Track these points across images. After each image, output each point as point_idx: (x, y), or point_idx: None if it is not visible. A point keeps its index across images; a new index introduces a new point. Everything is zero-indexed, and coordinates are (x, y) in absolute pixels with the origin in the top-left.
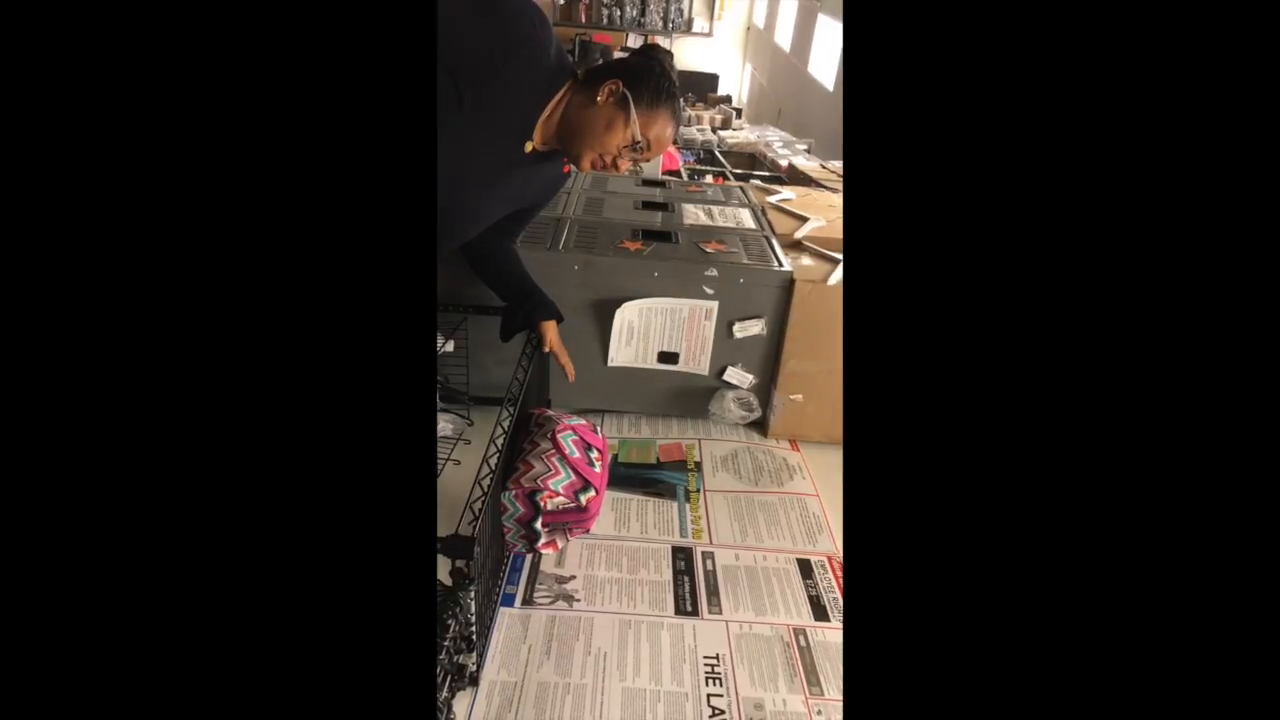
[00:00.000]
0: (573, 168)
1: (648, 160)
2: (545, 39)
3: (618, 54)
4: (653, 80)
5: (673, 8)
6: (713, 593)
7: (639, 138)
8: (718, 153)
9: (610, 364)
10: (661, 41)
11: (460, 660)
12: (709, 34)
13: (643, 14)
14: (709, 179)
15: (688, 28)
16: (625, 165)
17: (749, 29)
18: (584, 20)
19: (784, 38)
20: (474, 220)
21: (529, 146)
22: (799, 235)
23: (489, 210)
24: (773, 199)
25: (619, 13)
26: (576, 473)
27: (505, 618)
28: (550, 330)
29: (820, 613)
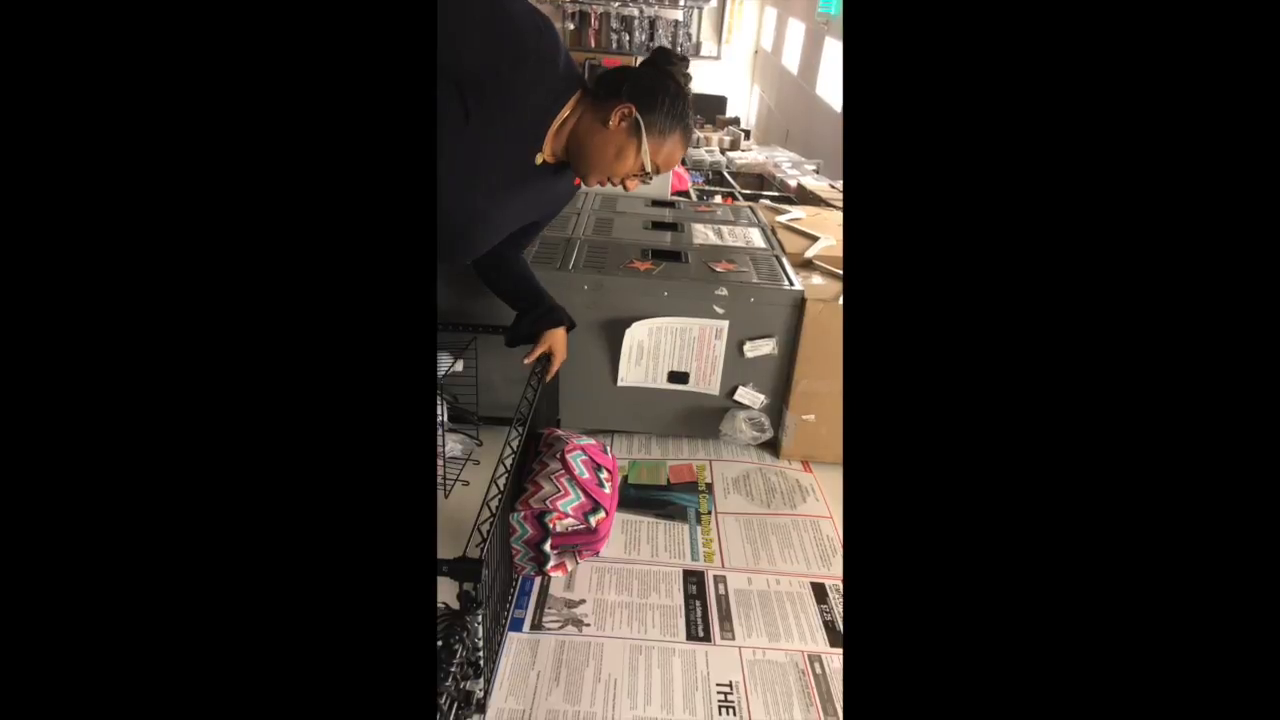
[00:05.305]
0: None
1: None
2: (553, 48)
3: None
4: (666, 103)
5: (681, 32)
6: (725, 617)
7: (649, 167)
8: (726, 173)
9: (620, 384)
10: None
11: (467, 687)
12: (717, 57)
13: (651, 38)
14: (718, 199)
15: (696, 51)
16: (633, 186)
17: (756, 52)
18: (593, 45)
19: (791, 60)
20: (490, 232)
21: (540, 158)
22: (809, 254)
23: (504, 222)
24: (782, 218)
25: (628, 37)
26: (586, 494)
27: (513, 643)
28: (559, 338)
29: (835, 638)
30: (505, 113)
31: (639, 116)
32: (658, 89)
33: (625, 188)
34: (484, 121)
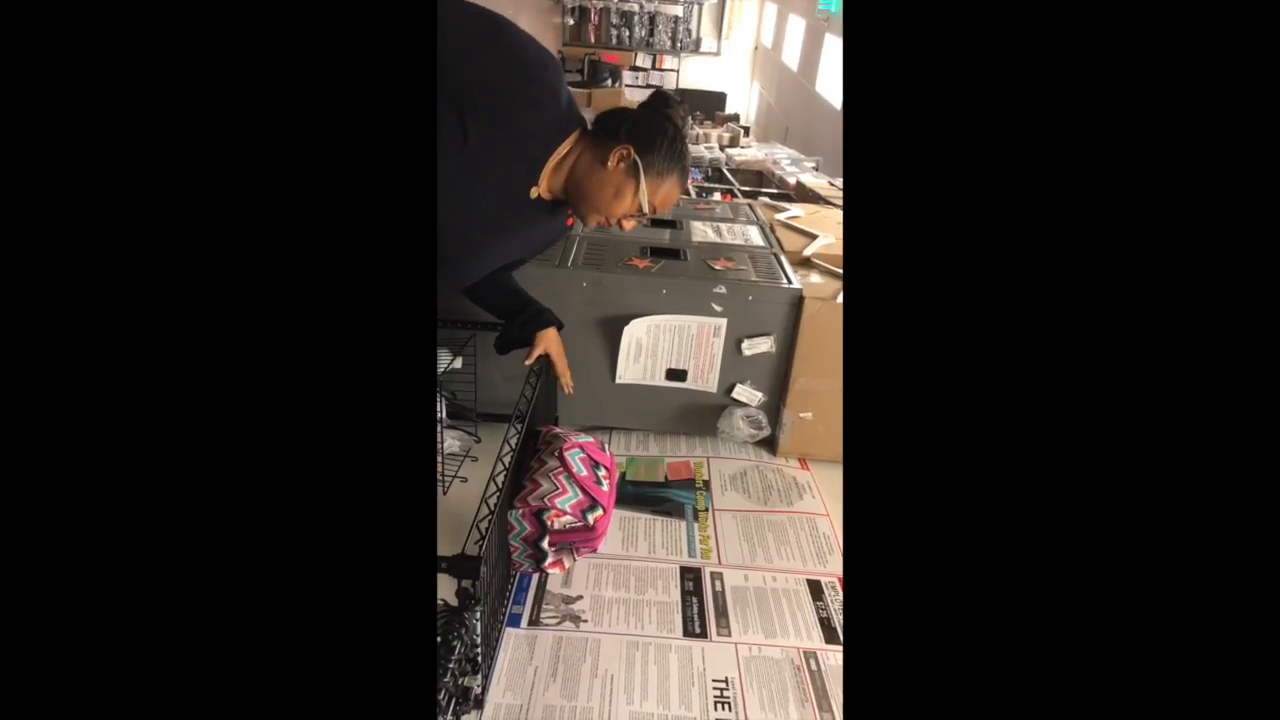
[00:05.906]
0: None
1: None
2: (556, 83)
3: (626, 74)
4: (664, 145)
5: (681, 28)
6: (721, 614)
7: (646, 208)
8: (726, 170)
9: (618, 381)
10: (669, 61)
11: (465, 682)
12: (717, 53)
13: (651, 34)
14: (717, 196)
15: (696, 47)
16: (629, 226)
17: (756, 48)
18: (593, 40)
19: (791, 57)
20: (480, 262)
21: (535, 192)
22: (807, 252)
23: (494, 255)
24: (781, 216)
25: (628, 33)
26: (584, 491)
27: (511, 638)
28: (551, 338)
29: (831, 635)
30: (505, 135)
31: (637, 158)
32: (656, 131)
33: (621, 227)
34: (483, 142)
